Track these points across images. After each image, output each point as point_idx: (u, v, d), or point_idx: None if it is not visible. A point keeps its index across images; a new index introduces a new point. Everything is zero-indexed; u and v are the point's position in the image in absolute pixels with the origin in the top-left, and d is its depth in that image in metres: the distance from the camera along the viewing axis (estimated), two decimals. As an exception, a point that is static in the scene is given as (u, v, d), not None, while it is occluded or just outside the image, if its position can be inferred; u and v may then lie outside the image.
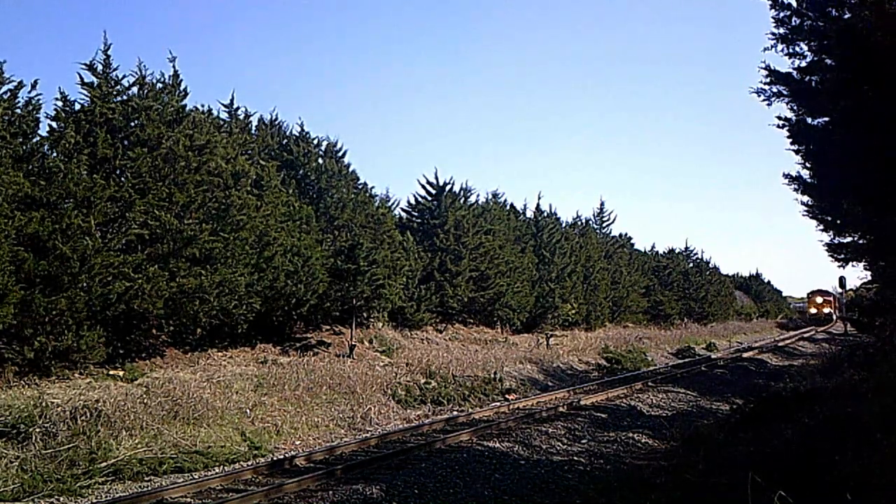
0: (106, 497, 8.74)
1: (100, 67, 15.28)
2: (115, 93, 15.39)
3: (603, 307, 35.59)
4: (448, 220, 26.42)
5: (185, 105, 16.81)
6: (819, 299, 61.40)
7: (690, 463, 8.48)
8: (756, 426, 10.42)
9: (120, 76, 15.61)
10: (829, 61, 11.53)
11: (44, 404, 10.62)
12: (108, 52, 15.36)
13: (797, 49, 11.61)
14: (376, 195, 25.04)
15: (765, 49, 11.71)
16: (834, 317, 58.40)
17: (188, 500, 8.65)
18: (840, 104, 11.14)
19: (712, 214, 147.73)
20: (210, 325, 16.46)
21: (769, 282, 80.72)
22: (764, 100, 12.03)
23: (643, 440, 12.25)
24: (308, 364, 16.87)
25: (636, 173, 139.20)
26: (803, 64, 11.78)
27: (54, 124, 14.39)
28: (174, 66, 17.05)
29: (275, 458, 10.81)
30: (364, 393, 15.39)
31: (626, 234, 45.50)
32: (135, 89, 15.83)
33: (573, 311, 32.16)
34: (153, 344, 15.92)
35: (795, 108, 12.51)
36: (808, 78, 11.93)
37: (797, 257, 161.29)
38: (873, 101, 10.43)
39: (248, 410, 12.98)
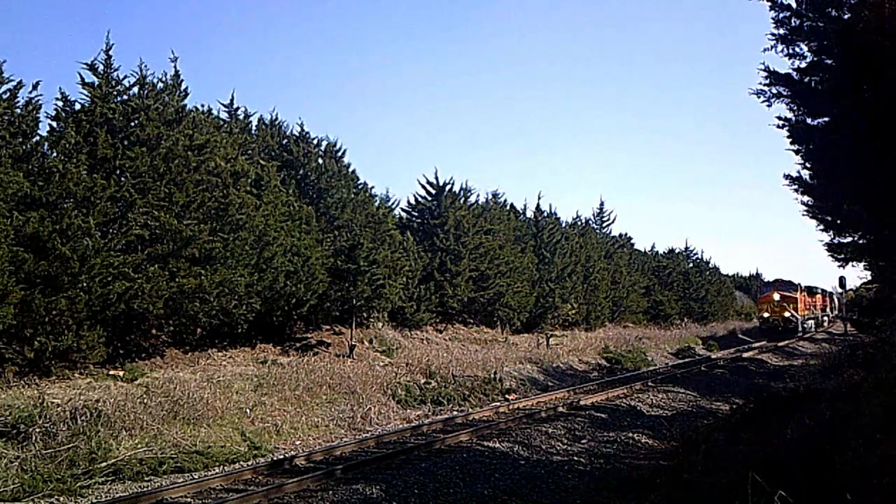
0: (106, 497, 8.74)
1: (101, 67, 15.29)
2: (115, 93, 15.40)
3: (603, 307, 35.59)
4: (448, 220, 26.41)
5: (186, 105, 16.83)
6: (776, 296, 38.13)
7: (690, 463, 8.47)
8: (756, 426, 10.42)
9: (121, 76, 15.65)
10: (829, 61, 11.53)
11: (44, 404, 10.62)
12: (110, 52, 15.39)
13: (797, 50, 11.61)
14: (376, 195, 25.05)
15: (764, 50, 11.70)
16: (802, 326, 38.56)
17: (188, 500, 8.65)
18: (840, 104, 11.14)
19: (712, 214, 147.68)
20: (210, 325, 16.45)
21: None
22: (764, 100, 12.03)
23: (643, 440, 12.24)
24: (308, 364, 16.87)
25: (636, 173, 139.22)
26: (803, 64, 11.79)
27: (54, 124, 14.40)
28: (175, 66, 17.09)
29: (275, 458, 10.81)
30: (364, 393, 15.38)
31: (626, 234, 45.49)
32: (135, 89, 15.84)
33: (573, 311, 32.15)
34: (153, 344, 15.93)
35: (795, 108, 12.51)
36: (807, 78, 11.93)
37: (797, 257, 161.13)
38: (873, 101, 10.43)
39: (248, 410, 12.98)
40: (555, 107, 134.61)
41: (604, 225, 43.79)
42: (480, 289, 26.95)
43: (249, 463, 10.68)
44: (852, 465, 5.90)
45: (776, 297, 37.87)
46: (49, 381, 12.50)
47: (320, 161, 22.97)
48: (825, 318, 49.04)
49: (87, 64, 15.14)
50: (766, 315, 38.54)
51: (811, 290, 43.42)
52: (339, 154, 24.15)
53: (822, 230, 16.37)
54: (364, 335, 21.46)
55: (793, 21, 11.35)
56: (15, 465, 9.19)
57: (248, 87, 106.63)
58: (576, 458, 10.76)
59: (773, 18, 11.50)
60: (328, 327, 21.44)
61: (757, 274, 78.22)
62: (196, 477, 9.79)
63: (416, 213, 28.01)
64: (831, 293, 52.89)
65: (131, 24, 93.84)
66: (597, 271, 35.40)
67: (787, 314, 37.21)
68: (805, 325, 38.99)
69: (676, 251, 50.67)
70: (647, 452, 11.44)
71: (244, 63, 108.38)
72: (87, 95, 14.98)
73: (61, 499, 8.72)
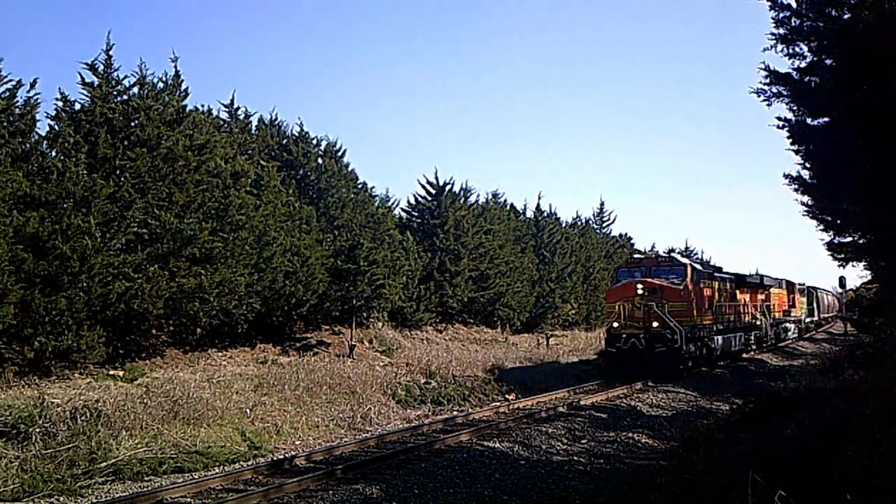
0: (106, 497, 8.73)
1: (101, 67, 15.32)
2: (115, 93, 15.42)
3: (603, 307, 35.58)
4: (448, 220, 26.44)
5: (186, 105, 16.86)
6: (640, 288, 18.88)
7: (690, 463, 8.47)
8: (756, 426, 10.42)
9: (121, 76, 15.69)
10: (828, 61, 11.53)
11: (44, 404, 10.62)
12: (110, 52, 15.43)
13: (797, 49, 11.60)
14: (376, 195, 25.14)
15: (764, 49, 11.69)
16: (704, 348, 20.65)
17: (188, 500, 8.64)
18: (840, 104, 11.15)
19: (712, 214, 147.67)
20: (210, 325, 16.47)
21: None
22: (764, 100, 12.02)
23: (643, 440, 12.24)
24: (308, 364, 16.87)
25: (636, 173, 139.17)
26: (803, 64, 11.78)
27: (54, 124, 14.42)
28: (175, 67, 17.13)
29: (275, 458, 10.80)
30: (364, 393, 15.38)
31: (626, 234, 45.57)
32: (135, 89, 15.86)
33: (573, 311, 32.18)
34: (153, 344, 15.93)
35: (795, 108, 12.51)
36: (807, 78, 11.92)
37: (798, 257, 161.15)
38: (873, 101, 10.43)
39: (248, 410, 12.98)
40: (555, 107, 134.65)
41: (604, 225, 43.88)
42: (480, 289, 26.97)
43: (249, 463, 10.67)
44: (852, 465, 5.90)
45: (639, 289, 18.90)
46: (49, 381, 12.50)
47: (320, 161, 23.01)
48: (791, 326, 33.30)
49: (87, 64, 15.18)
50: (615, 325, 19.06)
51: (745, 280, 26.04)
52: (339, 154, 24.20)
53: (822, 230, 16.40)
54: (364, 335, 21.47)
55: (793, 21, 11.34)
56: (15, 465, 9.18)
57: (248, 87, 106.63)
58: (576, 458, 10.75)
59: (773, 18, 11.49)
60: (328, 327, 21.44)
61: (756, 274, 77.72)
62: (196, 477, 9.78)
63: (416, 213, 28.05)
64: (812, 289, 40.47)
65: (131, 24, 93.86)
66: (597, 271, 35.42)
67: (655, 324, 18.46)
68: (713, 345, 20.93)
69: (676, 251, 50.71)
70: (647, 452, 11.43)
71: (244, 63, 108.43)
72: (86, 95, 15.00)
73: (61, 499, 8.71)
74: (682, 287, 19.41)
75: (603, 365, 20.07)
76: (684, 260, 21.27)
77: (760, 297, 28.20)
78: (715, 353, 21.56)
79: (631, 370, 18.73)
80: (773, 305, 30.12)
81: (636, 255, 23.38)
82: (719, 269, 25.17)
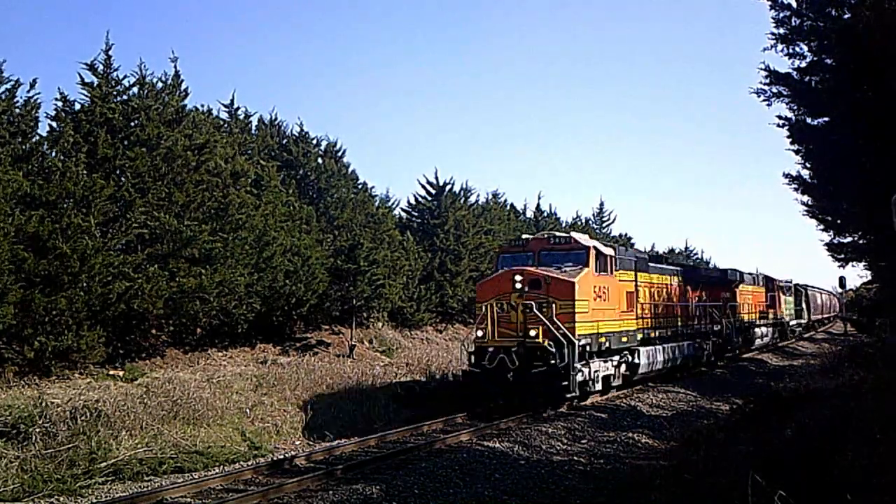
0: (106, 497, 8.73)
1: (100, 67, 15.32)
2: (115, 93, 15.42)
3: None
4: (448, 220, 26.45)
5: (186, 105, 16.86)
6: (518, 281, 13.12)
7: (690, 463, 8.47)
8: (756, 426, 10.42)
9: (120, 76, 15.70)
10: (828, 61, 11.56)
11: (44, 404, 10.63)
12: (110, 52, 15.43)
13: (797, 49, 11.63)
14: (376, 195, 25.16)
15: (765, 49, 11.73)
16: (627, 362, 15.65)
17: (188, 500, 8.65)
18: (840, 104, 11.16)
19: (712, 214, 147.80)
20: (210, 325, 16.46)
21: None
22: (764, 100, 12.06)
23: (643, 440, 12.23)
24: (308, 364, 16.88)
25: (636, 173, 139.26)
26: (803, 64, 11.81)
27: (54, 124, 14.42)
28: (175, 66, 17.13)
29: (275, 458, 10.80)
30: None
31: (626, 234, 45.51)
32: (135, 89, 15.87)
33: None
34: (153, 344, 15.93)
35: (795, 108, 12.53)
36: (807, 78, 11.95)
37: (798, 257, 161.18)
38: (873, 101, 10.44)
39: (248, 410, 12.98)
40: (555, 107, 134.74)
41: (604, 225, 43.83)
42: (480, 289, 26.95)
43: (249, 463, 10.67)
44: (852, 465, 5.90)
45: (517, 281, 13.38)
46: (49, 381, 12.50)
47: (320, 161, 23.02)
48: (768, 330, 28.52)
49: (86, 64, 15.18)
50: (479, 333, 13.81)
51: (697, 274, 22.45)
52: (339, 154, 24.22)
53: (822, 230, 16.41)
54: (364, 335, 21.47)
55: (793, 21, 11.37)
56: (15, 465, 9.18)
57: (248, 87, 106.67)
58: (576, 458, 10.75)
59: (773, 18, 11.52)
60: (328, 327, 21.44)
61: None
62: (196, 477, 9.78)
63: (416, 213, 28.06)
64: (802, 287, 35.94)
65: (131, 24, 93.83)
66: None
67: (534, 333, 13.13)
68: (637, 360, 16.13)
69: (676, 251, 50.72)
70: (647, 452, 11.42)
71: (244, 63, 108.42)
72: (86, 95, 15.00)
73: (61, 499, 8.72)
74: (579, 279, 13.55)
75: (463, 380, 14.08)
76: (588, 241, 14.82)
77: (725, 294, 23.08)
78: (639, 370, 16.26)
79: (501, 399, 13.39)
80: (743, 305, 25.14)
81: (525, 236, 16.48)
82: (658, 258, 20.26)
